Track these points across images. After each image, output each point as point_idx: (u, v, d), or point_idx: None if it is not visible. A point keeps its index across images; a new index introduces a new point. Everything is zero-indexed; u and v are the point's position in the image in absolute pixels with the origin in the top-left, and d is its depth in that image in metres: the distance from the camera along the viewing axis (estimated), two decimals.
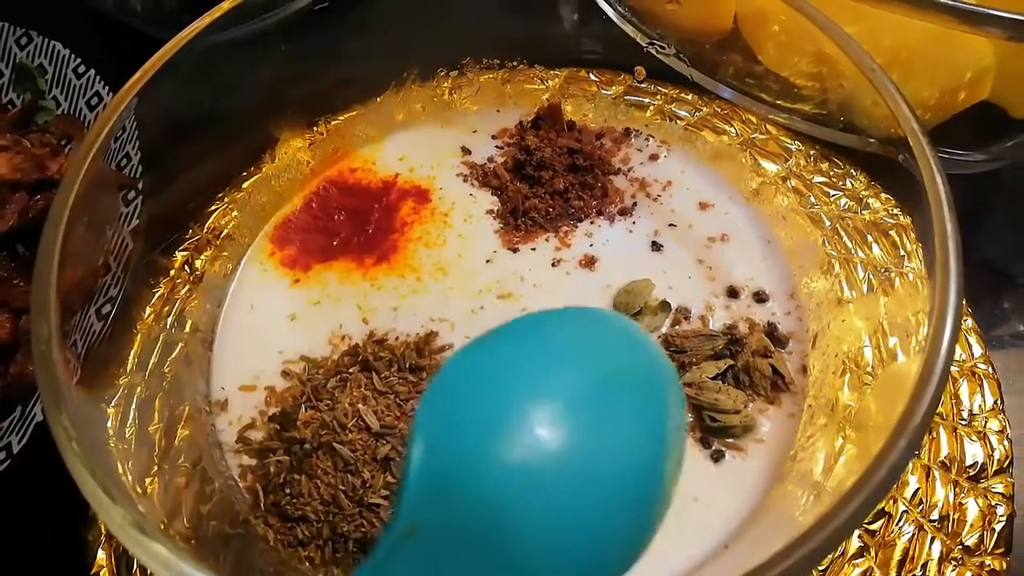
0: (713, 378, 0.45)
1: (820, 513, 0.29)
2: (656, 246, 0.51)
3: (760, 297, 0.49)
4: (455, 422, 0.25)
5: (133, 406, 0.46)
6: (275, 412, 0.46)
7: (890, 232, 0.54)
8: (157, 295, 0.51)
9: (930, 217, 0.36)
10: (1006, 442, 0.47)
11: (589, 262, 0.51)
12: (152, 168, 0.49)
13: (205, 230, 0.55)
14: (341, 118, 0.57)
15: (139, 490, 0.41)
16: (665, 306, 0.48)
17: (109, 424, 0.44)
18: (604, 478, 0.25)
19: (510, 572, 0.24)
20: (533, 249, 0.51)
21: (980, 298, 0.56)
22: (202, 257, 0.53)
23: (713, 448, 0.43)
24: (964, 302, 0.53)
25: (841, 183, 0.55)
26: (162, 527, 0.39)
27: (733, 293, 0.49)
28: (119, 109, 0.45)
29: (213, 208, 0.55)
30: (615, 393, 0.27)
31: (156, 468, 0.44)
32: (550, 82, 0.63)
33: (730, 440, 0.44)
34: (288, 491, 0.42)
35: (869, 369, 0.44)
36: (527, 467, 0.24)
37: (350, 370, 0.46)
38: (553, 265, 0.51)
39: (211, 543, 0.41)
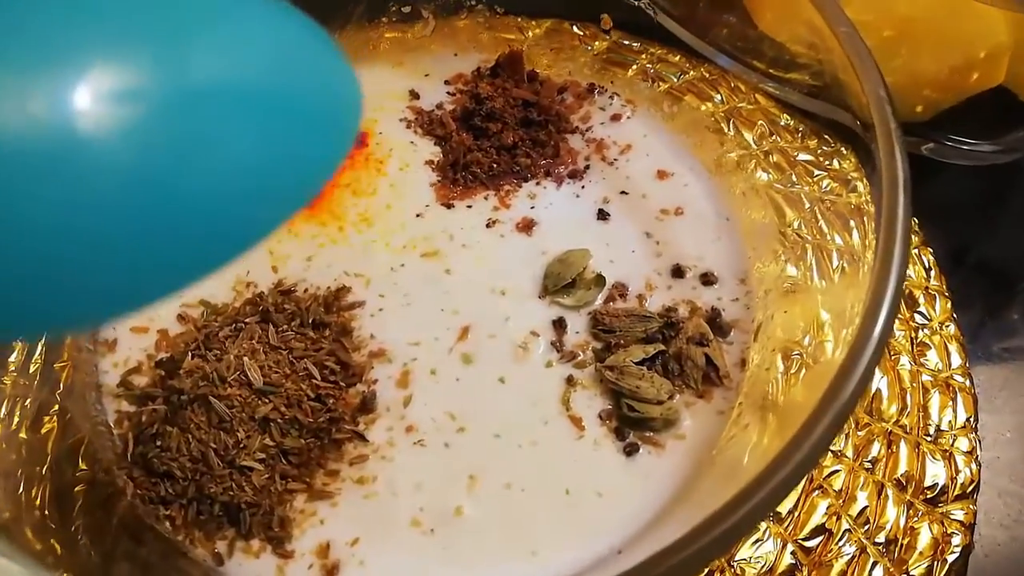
0: (639, 363, 0.40)
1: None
2: (603, 214, 0.47)
3: (707, 279, 0.44)
4: None
5: (42, 341, 0.43)
6: (163, 357, 0.42)
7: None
8: None
9: (880, 192, 0.31)
10: (974, 465, 0.43)
11: (527, 226, 0.46)
12: None
13: None
14: None
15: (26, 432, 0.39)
16: (600, 280, 0.44)
17: (12, 358, 0.42)
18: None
19: None
20: (469, 207, 0.47)
21: (971, 303, 0.51)
22: None
23: (627, 440, 0.39)
24: (950, 306, 0.48)
25: (828, 163, 0.49)
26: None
27: (678, 272, 0.44)
28: None
29: None
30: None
31: (57, 407, 0.42)
32: (530, 32, 0.58)
33: (648, 434, 0.39)
34: (159, 443, 0.39)
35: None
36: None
37: (247, 320, 0.42)
38: (488, 226, 0.46)
39: (67, 492, 0.38)
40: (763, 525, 0.40)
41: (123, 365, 0.43)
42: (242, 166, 0.19)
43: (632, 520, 0.37)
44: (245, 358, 0.39)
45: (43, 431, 0.41)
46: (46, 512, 0.38)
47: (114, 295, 0.19)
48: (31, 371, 0.43)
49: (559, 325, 0.42)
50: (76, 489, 0.39)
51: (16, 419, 0.41)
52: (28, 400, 0.42)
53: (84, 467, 0.40)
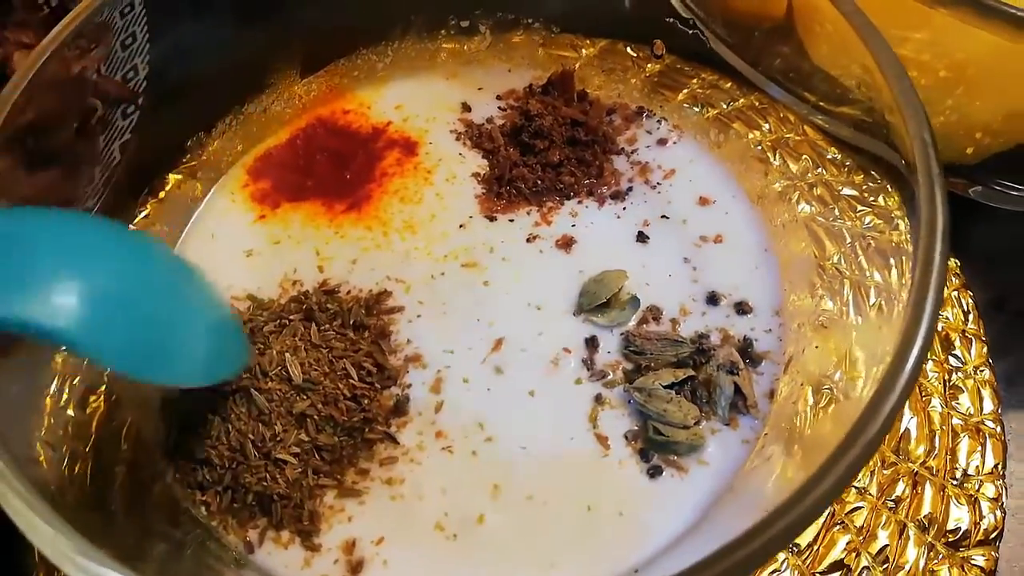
0: (668, 387, 0.41)
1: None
2: (642, 237, 0.47)
3: (742, 309, 0.45)
4: None
5: None
6: None
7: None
8: (141, 215, 0.51)
9: (919, 235, 0.32)
10: (999, 512, 0.43)
11: (567, 243, 0.47)
12: (153, 86, 0.48)
13: (189, 154, 0.53)
14: (343, 59, 0.55)
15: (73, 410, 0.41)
16: (634, 302, 0.44)
17: None
18: None
19: None
20: (511, 221, 0.48)
21: (1009, 350, 0.50)
22: (178, 178, 0.52)
23: (652, 463, 0.40)
24: (986, 351, 0.48)
25: (873, 199, 0.49)
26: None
27: (713, 299, 0.45)
28: None
29: (202, 132, 0.54)
30: None
31: (104, 388, 0.43)
32: (584, 51, 0.59)
33: (672, 457, 0.40)
34: (200, 430, 0.40)
35: None
36: None
37: (291, 317, 0.43)
38: (528, 240, 0.47)
39: (108, 470, 0.40)
40: (781, 556, 0.41)
41: None
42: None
43: (652, 540, 0.38)
44: (287, 354, 0.41)
45: (88, 410, 0.43)
46: (86, 488, 0.40)
47: None
48: None
49: (591, 344, 0.43)
50: (116, 469, 0.41)
51: (65, 396, 0.43)
52: (77, 379, 0.44)
53: (125, 448, 0.42)
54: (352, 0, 0.52)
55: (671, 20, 0.53)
